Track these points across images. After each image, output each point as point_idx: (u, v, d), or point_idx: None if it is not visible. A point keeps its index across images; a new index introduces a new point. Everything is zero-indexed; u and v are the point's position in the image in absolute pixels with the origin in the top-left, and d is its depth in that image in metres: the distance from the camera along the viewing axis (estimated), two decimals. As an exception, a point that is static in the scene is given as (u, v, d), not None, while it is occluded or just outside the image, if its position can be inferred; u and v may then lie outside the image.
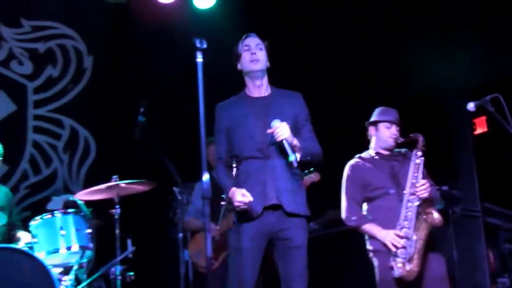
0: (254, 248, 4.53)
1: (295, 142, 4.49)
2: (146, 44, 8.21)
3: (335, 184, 5.48)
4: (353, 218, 5.25)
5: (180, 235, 6.27)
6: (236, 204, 4.45)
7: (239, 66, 4.76)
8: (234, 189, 4.51)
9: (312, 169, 6.34)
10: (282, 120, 4.47)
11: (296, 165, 4.44)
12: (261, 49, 4.70)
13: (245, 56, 4.69)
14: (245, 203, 4.42)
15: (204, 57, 4.22)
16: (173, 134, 7.64)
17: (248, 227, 4.52)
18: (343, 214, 5.31)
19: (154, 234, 7.66)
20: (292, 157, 4.39)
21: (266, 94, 4.72)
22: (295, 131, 4.55)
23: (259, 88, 4.71)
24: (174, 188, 6.41)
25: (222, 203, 6.18)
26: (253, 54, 4.66)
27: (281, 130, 4.39)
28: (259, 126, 4.56)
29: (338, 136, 7.68)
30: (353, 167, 5.39)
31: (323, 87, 8.18)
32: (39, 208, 6.69)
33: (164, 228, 7.33)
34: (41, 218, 5.76)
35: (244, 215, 4.51)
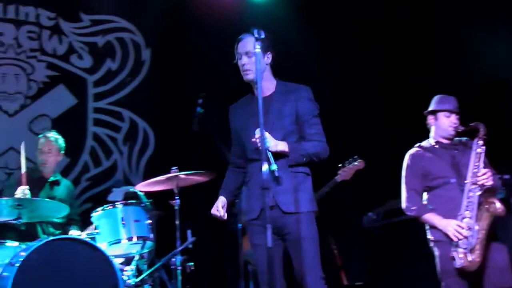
0: (263, 245, 4.33)
1: (281, 147, 4.48)
2: (203, 36, 8.24)
3: (395, 173, 5.43)
4: (413, 207, 5.21)
5: (240, 225, 6.28)
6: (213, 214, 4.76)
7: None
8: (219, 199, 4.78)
9: (356, 156, 6.30)
10: (279, 120, 4.54)
11: (277, 174, 4.41)
12: (250, 57, 4.54)
13: (239, 64, 4.65)
14: (215, 215, 4.75)
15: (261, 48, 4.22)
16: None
17: (253, 224, 4.63)
18: (403, 204, 5.27)
19: (213, 225, 7.68)
20: (273, 167, 4.35)
21: (270, 93, 4.65)
22: (297, 127, 4.59)
23: (262, 89, 4.44)
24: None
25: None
26: (243, 66, 4.59)
27: (262, 140, 4.28)
28: (255, 129, 4.44)
29: (399, 125, 7.61)
30: (413, 156, 5.34)
31: (382, 75, 8.11)
32: (100, 200, 6.77)
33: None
34: (103, 209, 5.85)
35: (247, 213, 4.71)
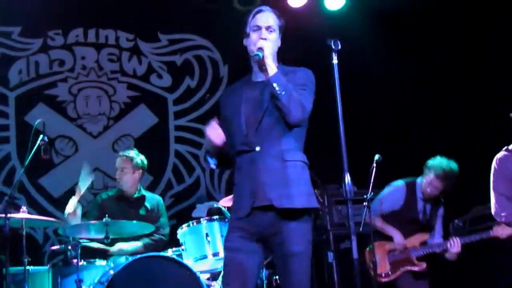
0: (241, 250, 3.98)
1: (271, 61, 4.00)
2: (279, 48, 8.23)
3: (482, 179, 5.30)
4: (503, 213, 5.07)
5: (324, 237, 6.23)
6: (211, 137, 4.02)
7: (245, 43, 4.24)
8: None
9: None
10: (273, 102, 3.99)
11: (257, 58, 3.97)
12: (271, 31, 4.15)
13: (253, 38, 4.14)
14: (213, 127, 4.02)
15: (338, 58, 4.17)
16: (311, 136, 7.62)
17: (237, 225, 4.03)
18: (492, 210, 5.13)
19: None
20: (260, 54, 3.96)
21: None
22: None
23: (264, 71, 4.08)
24: (315, 190, 6.38)
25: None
26: (260, 40, 4.09)
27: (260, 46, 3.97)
28: (248, 115, 4.06)
29: (485, 128, 7.44)
30: (500, 160, 5.20)
31: (461, 80, 7.96)
32: (185, 216, 6.83)
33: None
34: (188, 226, 5.90)
35: (234, 211, 4.09)
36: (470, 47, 7.95)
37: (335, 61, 4.11)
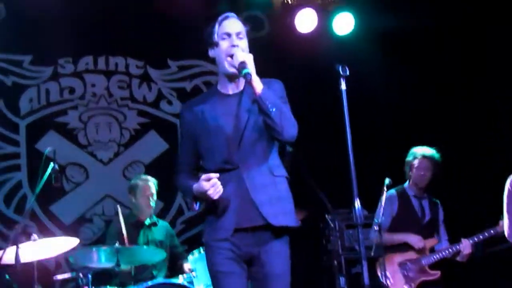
0: (234, 273, 3.81)
1: (257, 80, 3.76)
2: (288, 73, 8.26)
3: (496, 198, 5.28)
4: (516, 235, 5.05)
5: (335, 262, 6.21)
6: (210, 193, 3.66)
7: (211, 54, 3.98)
8: (196, 184, 3.74)
9: None
10: (254, 116, 3.80)
11: (250, 77, 3.69)
12: (241, 38, 3.92)
13: (224, 46, 3.89)
14: (216, 185, 3.67)
15: (347, 84, 4.18)
16: (321, 161, 7.63)
17: (223, 246, 3.80)
18: (506, 231, 5.11)
19: (308, 262, 7.64)
20: (245, 71, 3.71)
21: (241, 88, 3.95)
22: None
23: (235, 83, 3.94)
24: (326, 215, 6.38)
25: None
26: (234, 47, 3.87)
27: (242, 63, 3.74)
28: (228, 131, 3.83)
29: (499, 148, 7.44)
30: (513, 182, 5.19)
31: (475, 100, 7.95)
32: (196, 242, 6.83)
33: (318, 256, 7.30)
34: (199, 252, 5.90)
35: (214, 234, 3.81)
36: (470, 48, 7.94)
37: (343, 87, 4.12)
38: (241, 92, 3.93)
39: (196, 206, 3.90)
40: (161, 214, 7.79)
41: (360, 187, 3.99)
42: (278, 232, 3.82)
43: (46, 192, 5.75)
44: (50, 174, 5.55)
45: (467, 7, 7.87)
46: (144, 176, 6.86)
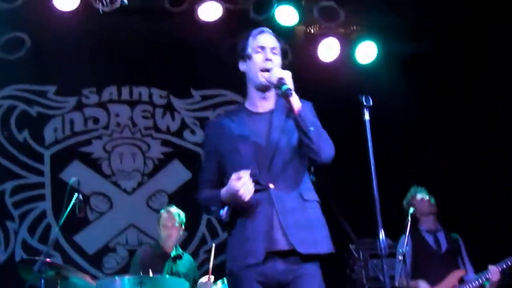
0: None
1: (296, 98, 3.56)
2: (313, 100, 8.26)
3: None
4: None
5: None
6: (241, 193, 3.44)
7: (242, 67, 3.83)
8: (224, 188, 3.54)
9: None
10: (287, 136, 3.64)
11: (291, 93, 3.49)
12: (275, 54, 3.75)
13: (256, 60, 3.73)
14: (246, 184, 3.44)
15: (370, 113, 4.15)
16: (344, 189, 7.60)
17: (251, 275, 3.53)
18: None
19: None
20: (285, 87, 3.51)
21: (271, 107, 3.77)
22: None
23: (265, 100, 3.77)
24: (350, 245, 6.35)
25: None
26: (268, 61, 3.71)
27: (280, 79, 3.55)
28: (258, 150, 3.63)
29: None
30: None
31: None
32: (220, 272, 6.80)
33: (342, 285, 7.24)
34: (222, 282, 5.87)
35: (242, 259, 3.54)
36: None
37: (367, 117, 4.09)
38: (272, 111, 3.75)
39: (224, 213, 3.62)
40: (185, 244, 7.77)
41: (383, 215, 3.95)
42: (309, 257, 3.58)
43: (70, 221, 5.76)
44: (74, 204, 5.57)
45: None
46: (169, 207, 6.82)
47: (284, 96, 3.55)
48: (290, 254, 3.55)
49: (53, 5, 6.74)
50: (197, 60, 8.20)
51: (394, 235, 6.14)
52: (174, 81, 8.42)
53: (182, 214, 6.73)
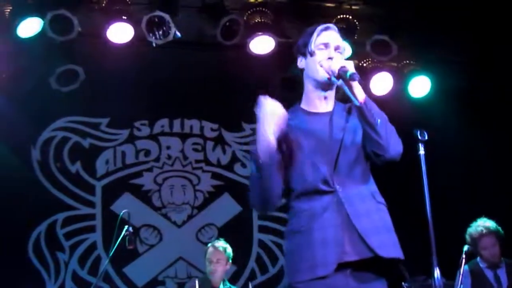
0: None
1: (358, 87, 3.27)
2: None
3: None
4: None
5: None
6: (263, 140, 3.21)
7: (301, 63, 3.53)
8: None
9: None
10: (350, 135, 3.35)
11: (357, 78, 3.20)
12: (340, 53, 3.46)
13: (318, 57, 3.43)
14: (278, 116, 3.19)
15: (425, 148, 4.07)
16: (399, 226, 7.47)
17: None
18: None
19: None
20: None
21: (330, 109, 3.48)
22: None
23: (325, 100, 3.47)
24: (403, 283, 6.20)
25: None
26: (330, 59, 3.39)
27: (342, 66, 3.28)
28: (322, 148, 3.32)
29: None
30: None
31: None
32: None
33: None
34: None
35: (308, 271, 3.16)
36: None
37: (422, 151, 4.02)
38: (331, 112, 3.45)
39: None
40: (234, 278, 7.72)
41: (438, 253, 3.86)
42: (381, 271, 3.26)
43: (120, 253, 5.77)
44: (124, 236, 5.57)
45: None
46: (215, 242, 6.78)
47: (348, 83, 3.27)
48: (363, 265, 3.20)
49: (107, 38, 6.81)
50: (248, 93, 8.16)
51: (448, 273, 6.01)
52: (225, 114, 8.43)
53: (229, 249, 6.67)
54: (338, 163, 3.29)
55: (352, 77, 3.23)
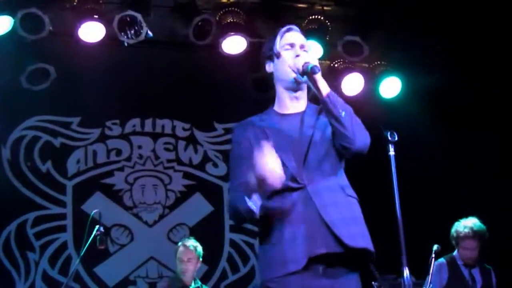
0: None
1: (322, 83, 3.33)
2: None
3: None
4: None
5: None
6: (271, 182, 3.09)
7: (269, 68, 3.58)
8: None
9: None
10: (320, 131, 3.39)
11: (318, 70, 3.29)
12: (305, 51, 3.49)
13: (286, 57, 3.47)
14: (272, 170, 3.08)
15: (395, 149, 4.10)
16: (368, 226, 7.51)
17: (289, 282, 3.16)
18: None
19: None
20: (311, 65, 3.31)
21: (303, 109, 3.52)
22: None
23: (297, 101, 3.52)
24: (373, 282, 6.25)
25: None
26: (298, 57, 3.42)
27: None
28: (291, 147, 3.34)
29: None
30: None
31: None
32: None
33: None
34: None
35: (280, 267, 3.18)
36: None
37: (392, 152, 4.05)
38: (303, 112, 3.49)
39: (254, 206, 3.18)
40: (206, 278, 7.72)
41: (408, 252, 3.89)
42: (353, 266, 3.28)
43: (91, 253, 5.75)
44: (95, 236, 5.55)
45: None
46: (186, 241, 6.78)
47: (311, 78, 3.34)
48: (334, 260, 3.21)
49: (78, 36, 6.77)
50: (220, 93, 8.21)
51: (418, 272, 6.05)
52: (197, 114, 8.43)
53: (200, 247, 6.68)
54: (307, 160, 3.33)
55: (313, 70, 3.31)
